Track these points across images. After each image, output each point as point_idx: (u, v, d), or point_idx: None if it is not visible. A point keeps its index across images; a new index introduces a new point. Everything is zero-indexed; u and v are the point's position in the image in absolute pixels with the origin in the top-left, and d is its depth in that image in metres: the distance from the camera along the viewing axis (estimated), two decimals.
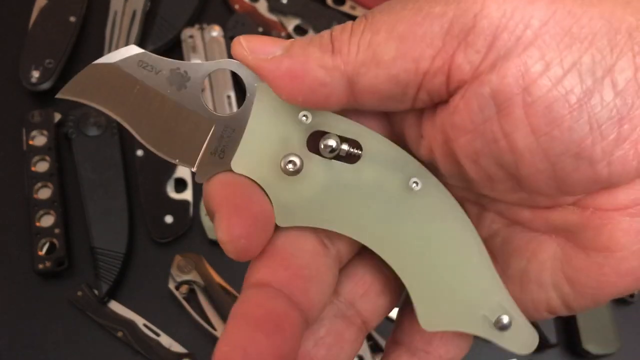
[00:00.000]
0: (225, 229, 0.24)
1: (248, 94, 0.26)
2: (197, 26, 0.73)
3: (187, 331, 0.60)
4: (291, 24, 0.74)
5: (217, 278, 0.61)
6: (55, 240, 0.61)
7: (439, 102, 0.25)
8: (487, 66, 0.23)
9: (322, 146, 0.25)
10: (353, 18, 0.74)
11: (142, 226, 0.64)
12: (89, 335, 0.60)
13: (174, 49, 0.72)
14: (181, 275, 0.60)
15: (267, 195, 0.26)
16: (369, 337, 0.60)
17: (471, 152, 0.24)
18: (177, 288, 0.60)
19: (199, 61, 0.26)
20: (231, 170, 0.26)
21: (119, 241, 0.62)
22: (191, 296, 0.61)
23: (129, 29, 0.72)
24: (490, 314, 0.26)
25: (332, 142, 0.25)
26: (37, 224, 0.61)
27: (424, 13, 0.23)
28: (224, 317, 0.59)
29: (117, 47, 0.70)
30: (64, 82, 0.26)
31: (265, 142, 0.26)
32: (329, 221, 0.26)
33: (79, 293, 0.60)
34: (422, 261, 0.26)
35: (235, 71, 0.26)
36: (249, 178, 0.26)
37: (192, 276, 0.60)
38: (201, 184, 0.26)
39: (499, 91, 0.22)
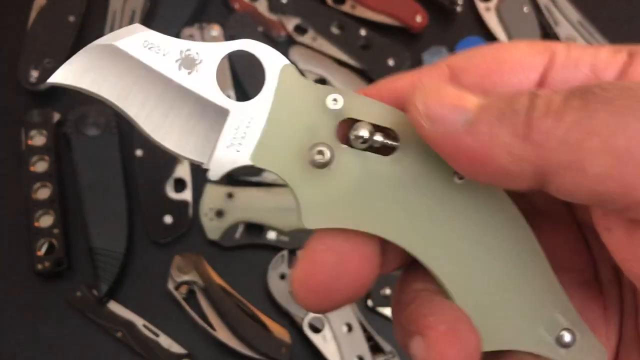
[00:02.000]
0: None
1: (268, 78, 0.23)
2: (197, 26, 0.72)
3: (187, 332, 0.60)
4: (291, 23, 0.74)
5: (217, 278, 0.60)
6: (54, 241, 0.61)
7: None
8: None
9: (353, 136, 0.22)
10: (353, 18, 0.75)
11: (141, 226, 0.64)
12: (88, 335, 0.60)
13: None
14: (181, 275, 0.60)
15: (292, 192, 0.23)
16: (369, 338, 0.60)
17: None
18: (177, 288, 0.60)
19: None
20: (250, 165, 0.23)
21: (118, 241, 0.62)
22: (191, 296, 0.60)
23: None
24: (549, 329, 0.23)
25: (363, 132, 0.22)
26: (36, 224, 0.61)
27: None
28: (223, 317, 0.59)
29: None
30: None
31: (289, 131, 0.22)
32: (363, 221, 0.23)
33: (78, 293, 0.60)
34: (470, 266, 0.23)
35: (253, 52, 0.23)
36: (272, 172, 0.23)
37: (192, 276, 0.60)
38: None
39: None
